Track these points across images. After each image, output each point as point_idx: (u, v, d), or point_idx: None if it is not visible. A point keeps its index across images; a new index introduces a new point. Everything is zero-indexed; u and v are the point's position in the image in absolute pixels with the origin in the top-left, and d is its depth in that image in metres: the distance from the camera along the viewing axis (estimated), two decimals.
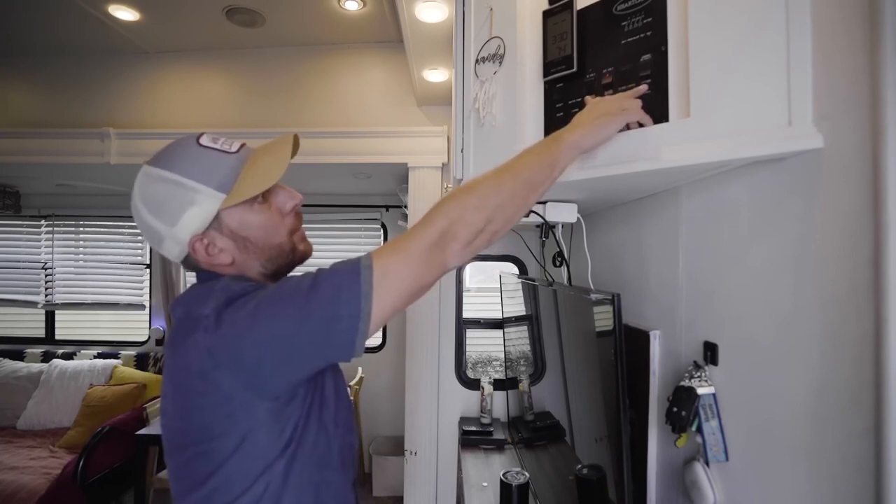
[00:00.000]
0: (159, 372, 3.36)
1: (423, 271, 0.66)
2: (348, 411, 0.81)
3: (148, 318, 3.70)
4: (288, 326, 0.62)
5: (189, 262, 0.77)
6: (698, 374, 0.84)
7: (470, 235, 0.68)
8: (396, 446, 3.30)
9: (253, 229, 0.74)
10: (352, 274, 0.63)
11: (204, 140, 0.73)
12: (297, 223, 0.80)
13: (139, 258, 3.73)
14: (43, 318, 3.83)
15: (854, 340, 0.56)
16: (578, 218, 1.21)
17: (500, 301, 2.25)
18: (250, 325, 0.63)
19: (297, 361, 0.64)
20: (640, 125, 0.79)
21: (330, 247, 3.63)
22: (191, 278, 3.53)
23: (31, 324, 3.86)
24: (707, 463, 0.84)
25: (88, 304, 3.74)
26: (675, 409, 0.83)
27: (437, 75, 2.21)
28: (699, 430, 0.82)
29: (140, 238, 3.73)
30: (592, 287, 1.16)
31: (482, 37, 1.11)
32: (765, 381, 0.72)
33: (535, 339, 1.73)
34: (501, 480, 1.47)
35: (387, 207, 3.56)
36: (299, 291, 0.63)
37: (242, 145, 0.76)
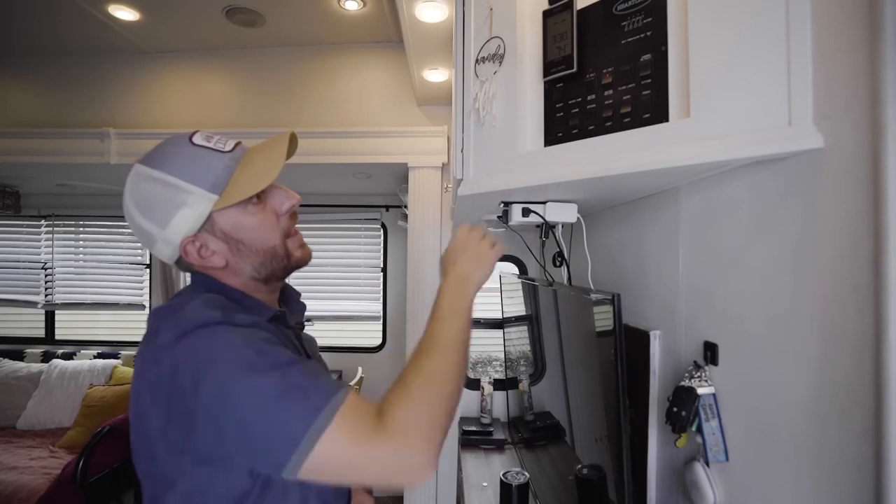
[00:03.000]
0: None
1: (377, 475, 0.59)
2: None
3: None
4: (229, 399, 0.56)
5: (182, 264, 0.74)
6: (698, 374, 0.84)
7: (439, 440, 0.62)
8: None
9: (247, 231, 0.71)
10: (312, 408, 0.57)
11: (197, 139, 0.70)
12: (292, 225, 0.78)
13: (139, 258, 3.72)
14: (43, 318, 3.83)
15: (854, 340, 0.56)
16: (578, 218, 1.21)
17: (500, 301, 2.25)
18: (192, 375, 0.57)
19: (223, 437, 0.58)
20: None
21: (330, 247, 3.63)
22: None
23: (30, 324, 3.85)
24: (707, 463, 0.83)
25: (88, 304, 3.74)
26: (675, 409, 0.83)
27: (437, 75, 2.21)
28: (699, 430, 0.82)
29: None
30: (592, 287, 1.16)
31: (482, 37, 1.11)
32: (765, 381, 0.72)
33: (535, 339, 1.73)
34: (501, 480, 1.47)
35: (387, 207, 3.56)
36: (254, 372, 0.57)
37: (237, 144, 0.73)
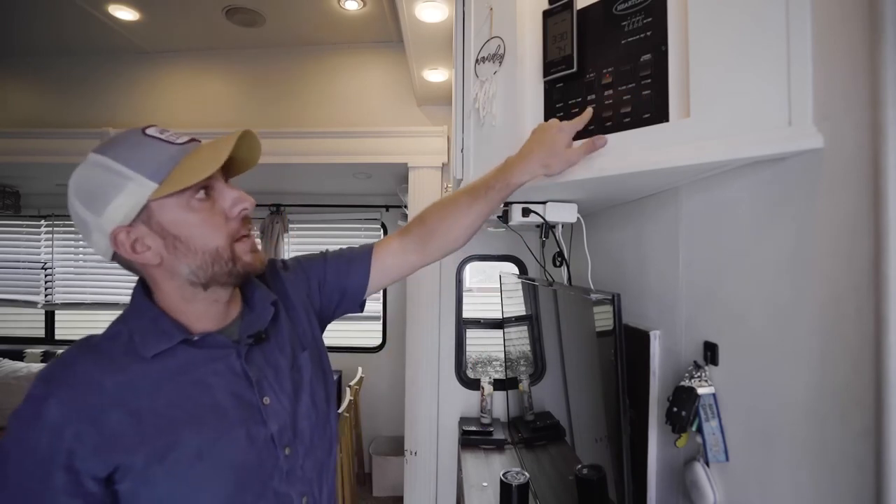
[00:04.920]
0: None
1: None
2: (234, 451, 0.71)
3: None
4: None
5: (120, 260, 0.70)
6: (698, 374, 0.84)
7: None
8: (396, 446, 3.30)
9: (186, 228, 0.67)
10: None
11: (150, 130, 0.68)
12: (242, 229, 0.72)
13: None
14: (43, 318, 3.84)
15: (854, 340, 0.56)
16: (578, 218, 1.21)
17: (500, 301, 2.25)
18: None
19: None
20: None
21: (330, 247, 3.62)
22: None
23: (31, 324, 3.86)
24: (707, 463, 0.84)
25: (88, 304, 3.74)
26: (675, 409, 0.83)
27: (437, 75, 2.21)
28: (699, 430, 0.82)
29: None
30: (592, 287, 1.16)
31: (482, 37, 1.11)
32: (765, 380, 0.72)
33: (535, 339, 1.73)
34: (501, 480, 1.47)
35: (387, 207, 3.56)
36: None
37: (192, 140, 0.70)
